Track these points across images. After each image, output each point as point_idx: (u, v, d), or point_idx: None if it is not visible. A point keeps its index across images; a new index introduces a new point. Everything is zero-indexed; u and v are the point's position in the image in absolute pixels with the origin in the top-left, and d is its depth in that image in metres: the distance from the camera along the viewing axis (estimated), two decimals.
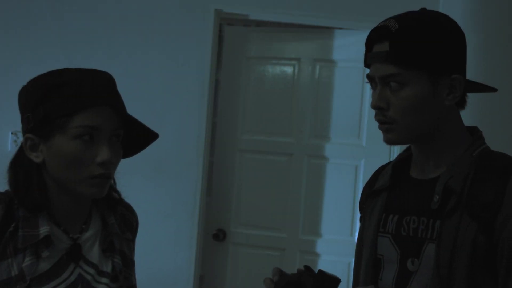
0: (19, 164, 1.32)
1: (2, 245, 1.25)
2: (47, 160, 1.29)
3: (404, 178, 1.39)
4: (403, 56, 1.26)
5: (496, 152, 1.32)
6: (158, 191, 3.19)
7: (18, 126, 1.37)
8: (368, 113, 3.28)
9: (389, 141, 1.34)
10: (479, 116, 1.40)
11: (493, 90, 1.37)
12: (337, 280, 1.31)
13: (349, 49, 3.33)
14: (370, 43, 1.34)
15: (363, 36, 3.57)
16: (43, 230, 1.27)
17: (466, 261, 1.22)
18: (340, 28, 3.41)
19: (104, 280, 1.37)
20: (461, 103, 1.33)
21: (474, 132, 1.35)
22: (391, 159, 3.18)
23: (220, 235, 3.42)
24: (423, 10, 1.33)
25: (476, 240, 1.21)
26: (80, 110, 1.27)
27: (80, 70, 1.33)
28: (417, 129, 1.30)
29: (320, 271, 1.31)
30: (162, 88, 3.22)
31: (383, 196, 1.42)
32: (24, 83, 1.36)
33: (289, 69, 3.44)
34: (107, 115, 1.30)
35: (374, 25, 1.35)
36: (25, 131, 1.31)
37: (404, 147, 1.41)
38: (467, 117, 1.43)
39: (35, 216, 1.28)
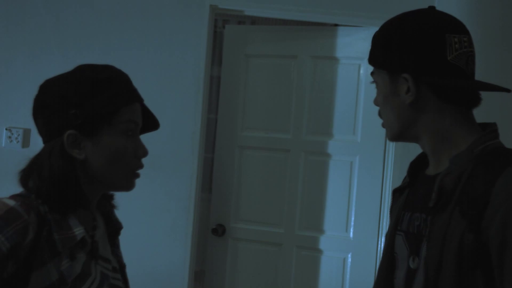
0: (59, 162, 1.26)
1: (39, 251, 1.21)
2: (91, 156, 1.28)
3: (421, 175, 1.41)
4: (371, 58, 1.37)
5: (505, 149, 1.29)
6: (153, 187, 3.19)
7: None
8: (363, 110, 3.29)
9: (387, 138, 1.42)
10: (476, 115, 1.39)
11: (507, 90, 1.33)
12: None
13: (346, 46, 3.34)
14: None
15: (359, 33, 3.59)
16: (78, 231, 1.26)
17: (453, 259, 1.20)
18: (336, 25, 3.41)
19: (118, 275, 1.39)
20: (458, 100, 1.31)
21: (486, 128, 1.33)
22: (385, 156, 3.23)
23: (219, 230, 3.44)
24: (431, 7, 1.35)
25: (463, 238, 1.19)
26: (126, 105, 1.30)
27: (108, 66, 1.36)
28: (394, 127, 1.37)
29: None
30: (157, 84, 3.21)
31: (404, 194, 1.43)
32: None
33: (287, 67, 3.44)
34: (140, 110, 1.35)
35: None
36: (64, 127, 1.26)
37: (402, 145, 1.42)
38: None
39: (65, 217, 1.26)
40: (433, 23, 1.29)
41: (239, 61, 3.48)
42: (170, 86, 3.22)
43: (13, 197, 1.25)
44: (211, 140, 4.93)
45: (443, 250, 1.22)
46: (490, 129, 1.32)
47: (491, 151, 1.26)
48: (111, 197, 1.45)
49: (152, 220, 3.20)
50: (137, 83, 3.52)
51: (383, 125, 1.40)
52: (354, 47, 3.30)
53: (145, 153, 1.34)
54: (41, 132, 1.31)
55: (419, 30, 1.29)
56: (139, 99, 1.35)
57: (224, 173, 3.50)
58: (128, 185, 1.35)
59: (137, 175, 1.35)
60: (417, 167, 1.43)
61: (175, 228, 3.20)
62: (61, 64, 1.37)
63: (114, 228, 1.43)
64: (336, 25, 3.43)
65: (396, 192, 1.48)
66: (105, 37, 3.21)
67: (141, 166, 1.35)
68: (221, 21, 5.22)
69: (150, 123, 1.42)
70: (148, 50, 3.22)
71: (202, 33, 3.20)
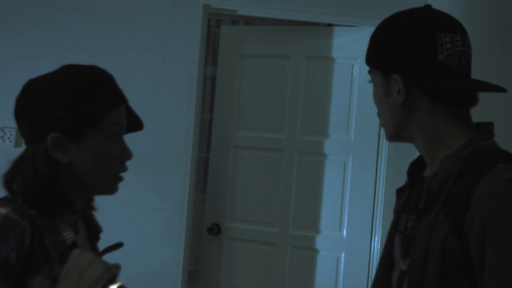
0: (43, 165, 1.23)
1: (35, 256, 1.19)
2: (75, 160, 1.25)
3: (419, 176, 1.39)
4: (367, 58, 1.36)
5: (495, 149, 1.26)
6: (146, 187, 3.18)
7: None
8: (357, 109, 3.29)
9: (385, 138, 1.42)
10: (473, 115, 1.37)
11: (503, 90, 1.29)
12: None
13: (340, 46, 3.34)
14: None
15: (353, 33, 3.59)
16: (68, 235, 1.24)
17: (436, 262, 1.19)
18: (330, 24, 3.41)
19: None
20: (450, 101, 1.29)
21: (481, 128, 1.31)
22: (379, 155, 3.24)
23: (214, 229, 3.44)
24: (427, 6, 1.33)
25: (446, 240, 1.18)
26: (112, 108, 1.27)
27: (94, 66, 1.32)
28: (390, 127, 1.36)
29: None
30: (151, 84, 3.20)
31: (405, 194, 1.42)
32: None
33: (282, 67, 3.44)
34: (125, 112, 1.33)
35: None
36: (48, 130, 1.23)
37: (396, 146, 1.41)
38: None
39: (54, 221, 1.24)
40: (424, 23, 1.27)
41: (234, 61, 3.48)
42: (164, 86, 3.21)
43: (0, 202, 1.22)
44: (205, 139, 4.93)
45: (427, 252, 1.21)
46: (484, 129, 1.29)
47: (481, 152, 1.24)
48: (91, 200, 1.42)
49: (145, 220, 3.19)
50: (130, 83, 3.52)
51: (381, 125, 1.40)
52: (348, 47, 3.30)
53: (129, 156, 1.32)
54: (24, 133, 1.28)
55: (409, 30, 1.27)
56: (125, 101, 1.33)
57: (219, 173, 3.50)
58: (112, 189, 1.32)
59: (121, 179, 1.33)
60: (417, 167, 1.42)
61: (168, 228, 3.19)
62: (54, 64, 1.35)
63: (94, 231, 1.40)
64: (329, 24, 3.43)
65: (399, 192, 1.46)
66: (99, 38, 3.20)
67: (125, 169, 1.32)
68: (214, 21, 5.21)
69: (135, 123, 1.39)
70: (141, 50, 3.21)
71: (196, 32, 3.19)
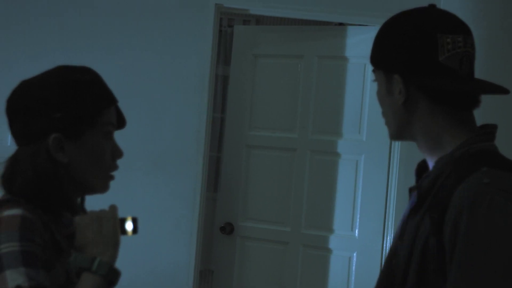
0: (44, 166, 1.24)
1: (48, 253, 1.20)
2: (74, 159, 1.27)
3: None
4: (371, 57, 1.36)
5: (487, 152, 1.24)
6: (157, 186, 3.19)
7: None
8: (369, 109, 3.28)
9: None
10: (478, 115, 1.36)
11: (505, 92, 1.27)
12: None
13: (352, 45, 3.33)
14: None
15: (365, 33, 3.58)
16: (74, 229, 1.26)
17: (417, 262, 1.20)
18: (341, 24, 3.40)
19: None
20: (450, 102, 1.27)
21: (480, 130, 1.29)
22: (391, 155, 3.22)
23: (227, 228, 3.45)
24: (431, 6, 1.32)
25: (428, 241, 1.19)
26: (107, 107, 1.30)
27: (86, 67, 1.34)
28: (392, 126, 1.37)
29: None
30: (163, 84, 3.21)
31: (413, 194, 1.41)
32: (14, 80, 1.32)
33: (294, 66, 3.44)
34: (115, 112, 1.35)
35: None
36: (47, 131, 1.25)
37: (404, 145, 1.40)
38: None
39: (59, 219, 1.27)
40: (426, 24, 1.26)
41: (247, 61, 3.49)
42: (176, 85, 3.22)
43: (6, 204, 1.22)
44: (216, 139, 4.93)
45: (412, 253, 1.22)
46: (483, 131, 1.28)
47: (471, 155, 1.23)
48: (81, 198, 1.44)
49: (156, 219, 3.20)
50: (142, 82, 3.49)
51: (385, 124, 1.40)
52: (360, 47, 3.29)
53: (120, 154, 1.34)
54: (18, 134, 1.29)
55: (410, 31, 1.26)
56: (116, 100, 1.35)
57: (231, 172, 3.51)
58: (105, 187, 1.35)
59: (113, 177, 1.36)
60: (425, 167, 1.40)
61: (180, 227, 3.20)
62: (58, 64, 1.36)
63: None
64: (341, 24, 3.42)
65: (411, 191, 1.45)
66: (109, 37, 3.20)
67: (116, 167, 1.35)
68: (226, 20, 5.21)
69: (120, 122, 1.41)
70: (153, 49, 3.22)
71: (208, 32, 3.19)
